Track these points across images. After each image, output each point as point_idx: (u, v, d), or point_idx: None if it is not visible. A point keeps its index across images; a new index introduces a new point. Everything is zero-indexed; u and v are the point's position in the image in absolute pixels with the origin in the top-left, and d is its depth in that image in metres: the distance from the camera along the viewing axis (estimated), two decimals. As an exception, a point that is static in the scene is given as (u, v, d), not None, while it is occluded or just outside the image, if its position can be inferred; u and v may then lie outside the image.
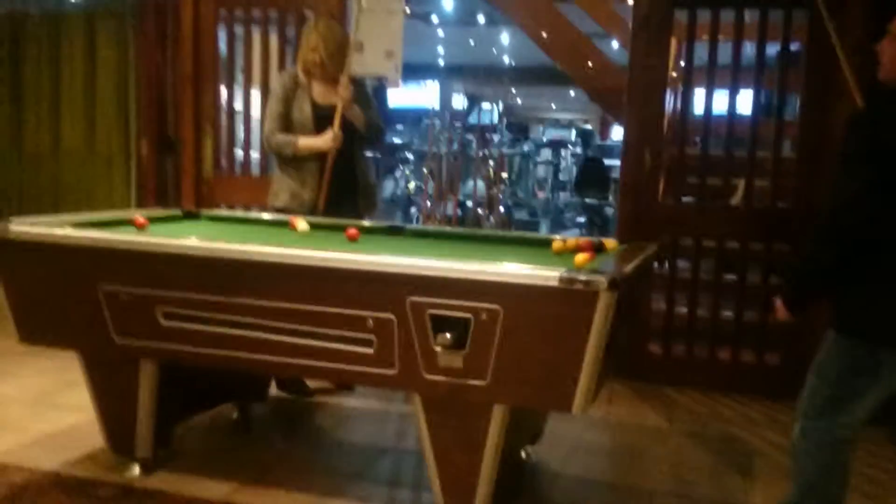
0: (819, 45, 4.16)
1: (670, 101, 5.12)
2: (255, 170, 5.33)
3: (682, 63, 4.74)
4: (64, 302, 2.82)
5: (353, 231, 3.11)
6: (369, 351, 2.44)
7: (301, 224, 3.34)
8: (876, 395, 2.37)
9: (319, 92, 3.83)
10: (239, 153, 5.31)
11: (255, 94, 5.15)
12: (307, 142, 3.75)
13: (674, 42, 4.77)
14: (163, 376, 2.89)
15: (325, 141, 3.73)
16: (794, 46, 4.57)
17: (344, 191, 3.83)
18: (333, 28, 3.90)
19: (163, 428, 2.99)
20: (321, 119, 3.77)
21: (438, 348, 2.35)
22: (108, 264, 2.73)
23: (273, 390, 3.84)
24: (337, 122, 3.72)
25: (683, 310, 4.53)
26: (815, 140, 4.19)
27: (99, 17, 5.82)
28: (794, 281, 2.44)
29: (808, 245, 2.41)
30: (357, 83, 3.88)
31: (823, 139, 4.14)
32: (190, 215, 3.61)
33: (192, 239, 2.72)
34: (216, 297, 2.60)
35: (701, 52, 4.44)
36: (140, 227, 3.05)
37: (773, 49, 4.44)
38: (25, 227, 2.84)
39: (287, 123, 3.79)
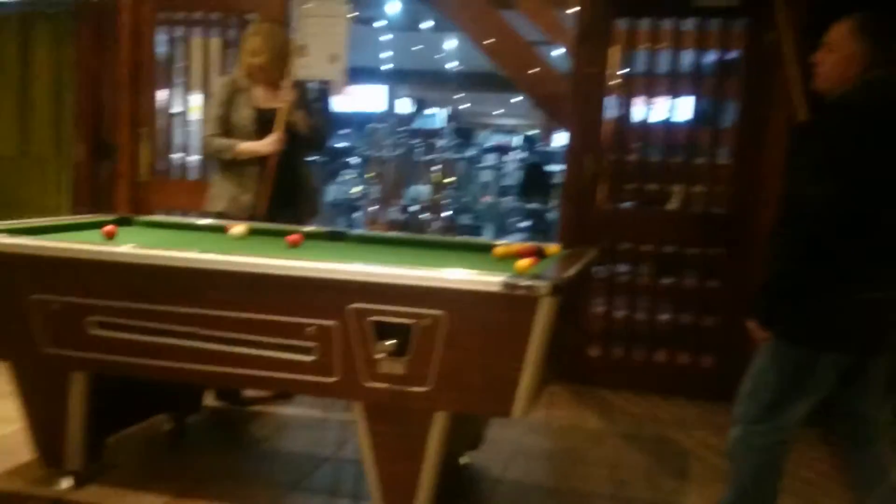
0: (756, 54, 4.28)
1: (611, 108, 5.20)
2: (194, 174, 5.23)
3: (623, 71, 4.81)
4: (-8, 311, 2.72)
5: (294, 237, 3.07)
6: (309, 359, 2.41)
7: (236, 228, 3.29)
8: (813, 398, 2.42)
9: (261, 96, 3.78)
10: (177, 157, 5.21)
11: (195, 98, 5.06)
12: (248, 146, 3.70)
13: (615, 50, 4.84)
14: (95, 387, 2.81)
15: (266, 145, 3.68)
16: (731, 55, 4.68)
17: (285, 196, 3.78)
18: (276, 32, 3.86)
19: (95, 440, 2.91)
20: (263, 123, 3.72)
21: (380, 355, 2.34)
22: (38, 272, 2.65)
23: (209, 400, 3.77)
24: (279, 126, 3.67)
25: (622, 313, 4.59)
26: (751, 147, 4.30)
27: (35, 19, 5.65)
28: (770, 301, 2.46)
29: (773, 263, 2.43)
30: (300, 87, 3.84)
31: (759, 146, 4.24)
32: (124, 221, 3.53)
33: (125, 246, 2.65)
34: (150, 306, 2.54)
35: (641, 60, 4.52)
36: (109, 237, 2.95)
37: (711, 57, 4.54)
38: (-50, 233, 2.73)
39: (227, 127, 3.73)
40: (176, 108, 5.23)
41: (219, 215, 3.70)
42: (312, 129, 3.83)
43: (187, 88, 5.11)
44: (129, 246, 2.65)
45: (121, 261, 2.57)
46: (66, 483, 2.86)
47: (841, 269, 2.30)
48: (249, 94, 3.76)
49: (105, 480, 2.95)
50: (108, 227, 3.01)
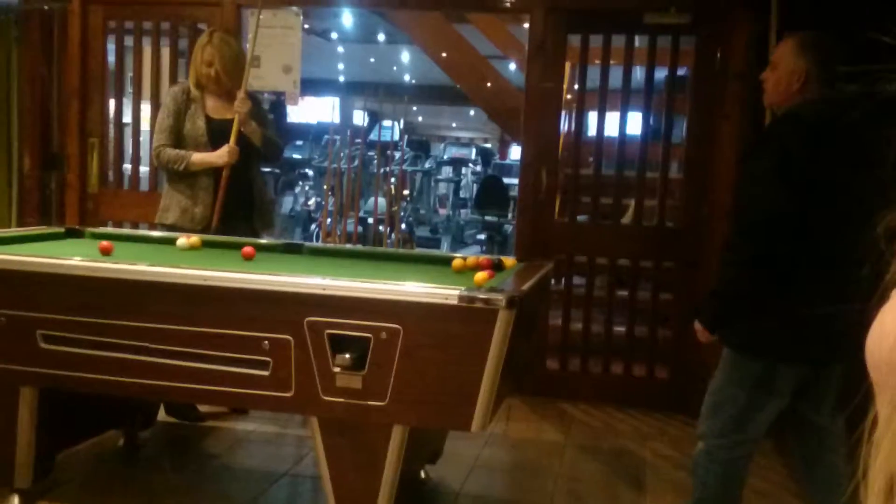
0: (705, 70, 4.37)
1: (565, 123, 5.26)
2: (144, 185, 5.15)
3: (576, 86, 4.88)
4: (-66, 326, 2.63)
5: (248, 249, 3.04)
6: (265, 373, 2.38)
7: (182, 239, 3.23)
8: (774, 410, 2.46)
9: (213, 106, 3.74)
10: (127, 168, 5.12)
11: (146, 108, 4.98)
12: (201, 157, 3.65)
13: (568, 65, 4.90)
14: (44, 402, 2.73)
15: (219, 156, 3.64)
16: (681, 71, 4.78)
17: (239, 208, 3.74)
18: (229, 42, 3.82)
19: (44, 456, 2.82)
20: (216, 134, 3.68)
21: (337, 369, 2.32)
22: (-18, 285, 2.57)
23: (161, 415, 3.70)
24: (233, 137, 3.64)
25: (579, 325, 4.63)
26: (701, 161, 4.38)
27: (-23, 25, 5.52)
28: (715, 304, 2.50)
29: (726, 268, 2.47)
30: (254, 98, 3.81)
31: (709, 160, 4.33)
32: (73, 233, 3.45)
33: (74, 258, 2.59)
34: (100, 320, 2.48)
35: (593, 75, 4.59)
36: (106, 253, 2.86)
37: (661, 73, 4.63)
38: None
39: (178, 138, 3.68)
40: (126, 118, 5.14)
41: (170, 228, 3.64)
42: (267, 140, 3.80)
43: (138, 98, 5.03)
44: (78, 258, 2.59)
45: (69, 273, 2.51)
46: (14, 501, 2.77)
47: (790, 278, 2.35)
48: (201, 104, 3.72)
49: (54, 498, 2.88)
50: (105, 244, 2.93)
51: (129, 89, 5.06)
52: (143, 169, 5.13)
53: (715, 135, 4.30)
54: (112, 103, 5.07)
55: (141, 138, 5.08)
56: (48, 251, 2.85)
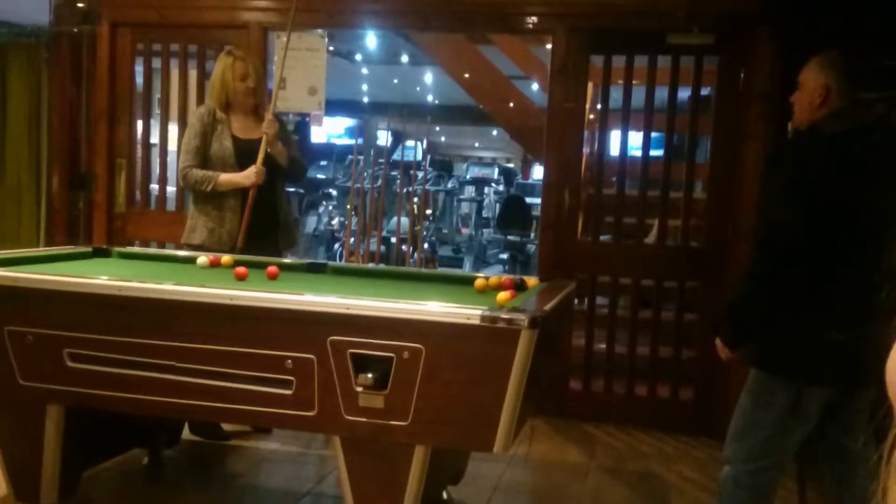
0: (728, 90, 4.36)
1: (588, 143, 5.26)
2: (171, 205, 5.21)
3: (599, 105, 4.88)
4: (-36, 344, 2.68)
5: (272, 269, 3.06)
6: (288, 392, 2.39)
7: (201, 259, 3.27)
8: (801, 433, 2.42)
9: (239, 126, 3.78)
10: (154, 188, 5.19)
11: (173, 128, 5.05)
12: (228, 178, 3.68)
13: (590, 85, 4.91)
14: (70, 420, 2.76)
15: (246, 177, 3.67)
16: (704, 91, 4.76)
17: (264, 228, 3.77)
18: (254, 59, 3.88)
19: (69, 474, 2.84)
20: (243, 154, 3.71)
21: (359, 388, 2.32)
22: (12, 304, 2.62)
23: (187, 433, 3.72)
24: (261, 157, 3.68)
25: (602, 346, 4.60)
26: (725, 181, 4.36)
27: (10, 48, 5.63)
28: (732, 318, 2.48)
29: (742, 282, 2.46)
30: (278, 119, 3.85)
31: (733, 180, 4.30)
32: (100, 252, 3.50)
33: (101, 277, 2.63)
34: (126, 339, 2.51)
35: (616, 95, 4.59)
36: (241, 278, 2.90)
37: (684, 93, 4.62)
38: (-78, 264, 2.70)
39: (205, 159, 3.72)
40: (153, 139, 5.21)
41: (197, 248, 3.67)
42: (293, 160, 3.83)
43: (165, 119, 5.11)
44: (105, 278, 2.62)
45: (96, 292, 2.54)
46: (38, 519, 2.80)
47: (813, 297, 2.32)
48: (227, 124, 3.76)
49: (78, 516, 2.89)
50: (240, 269, 2.96)
51: (156, 110, 5.13)
52: (170, 189, 5.20)
53: (739, 154, 4.28)
54: (140, 124, 5.15)
55: (168, 159, 5.15)
56: (75, 270, 2.89)
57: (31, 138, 5.59)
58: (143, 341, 2.49)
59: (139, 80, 5.13)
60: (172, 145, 4.96)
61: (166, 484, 3.35)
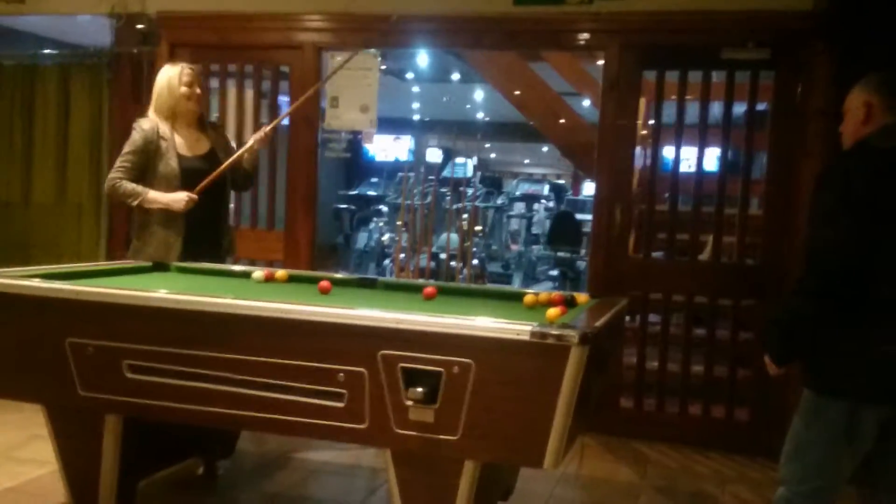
0: (784, 106, 4.29)
1: (640, 158, 5.22)
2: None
3: (651, 121, 4.85)
4: (30, 354, 2.76)
5: (325, 283, 3.10)
6: (340, 405, 2.42)
7: (257, 273, 3.37)
8: (857, 455, 2.36)
9: (184, 142, 3.75)
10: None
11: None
12: (156, 196, 3.63)
13: (643, 100, 4.88)
14: (128, 430, 2.83)
15: (175, 201, 3.62)
16: (760, 106, 4.70)
17: (211, 237, 3.81)
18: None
19: (127, 483, 2.92)
20: (187, 174, 3.68)
21: (410, 402, 2.34)
22: (75, 316, 2.69)
23: (240, 444, 3.77)
24: (204, 184, 3.66)
25: (654, 364, 4.55)
26: (781, 198, 4.29)
27: (73, 69, 5.82)
28: (779, 335, 2.45)
29: (790, 297, 2.43)
30: (220, 131, 3.97)
31: (790, 197, 4.23)
32: (159, 267, 3.59)
33: (160, 291, 2.70)
34: (184, 351, 2.57)
35: (669, 110, 4.55)
36: (325, 292, 3.02)
37: (739, 108, 4.57)
38: (-8, 277, 2.80)
39: (140, 176, 3.66)
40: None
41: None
42: (254, 168, 3.97)
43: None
44: (163, 291, 2.69)
45: (155, 306, 2.60)
46: (97, 527, 2.87)
47: (864, 313, 2.27)
48: (172, 142, 3.72)
49: (136, 525, 2.96)
50: (324, 283, 3.06)
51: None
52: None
53: (796, 171, 4.21)
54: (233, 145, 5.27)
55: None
56: (135, 284, 2.97)
57: (92, 157, 5.76)
58: (200, 353, 2.54)
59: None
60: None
61: (220, 494, 3.41)
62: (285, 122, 4.79)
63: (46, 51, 5.93)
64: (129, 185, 3.64)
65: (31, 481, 3.36)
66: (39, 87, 5.90)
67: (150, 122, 3.72)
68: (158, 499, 3.25)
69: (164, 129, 3.71)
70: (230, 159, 3.79)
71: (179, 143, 3.74)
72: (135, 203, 3.66)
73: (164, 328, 2.60)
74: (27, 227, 6.00)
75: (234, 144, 4.16)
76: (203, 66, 5.17)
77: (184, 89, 3.73)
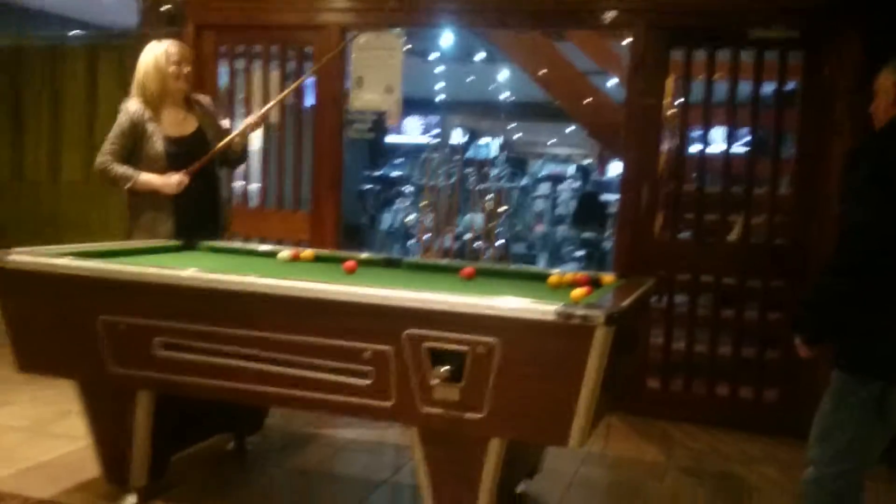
0: (814, 86, 4.23)
1: (667, 138, 5.17)
2: (254, 201, 5.36)
3: (679, 101, 4.79)
4: (63, 331, 2.82)
5: (350, 263, 3.12)
6: (366, 382, 2.44)
7: (283, 252, 3.40)
8: (887, 436, 2.35)
9: (170, 123, 3.71)
10: (238, 185, 5.34)
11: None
12: (148, 179, 3.61)
13: (670, 80, 4.83)
14: (159, 406, 2.88)
15: (166, 185, 3.61)
16: (789, 86, 4.63)
17: (204, 215, 3.82)
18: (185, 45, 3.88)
19: (158, 458, 2.98)
20: (173, 155, 3.66)
21: (435, 381, 2.35)
22: (106, 294, 2.74)
23: (269, 420, 3.82)
24: (196, 166, 3.66)
25: (681, 345, 4.53)
26: (811, 178, 4.24)
27: (100, 50, 5.87)
28: (811, 314, 2.43)
29: (821, 276, 2.40)
30: (210, 112, 3.92)
31: (820, 177, 4.18)
32: (188, 246, 3.62)
33: (189, 269, 2.73)
34: (213, 328, 2.60)
35: (697, 90, 4.50)
36: (351, 272, 3.05)
37: (768, 88, 4.50)
38: (25, 256, 2.85)
39: (130, 158, 3.64)
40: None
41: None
42: (244, 151, 3.96)
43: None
44: (193, 270, 2.72)
45: (185, 284, 2.64)
46: (130, 500, 2.93)
47: (892, 291, 2.25)
48: (158, 124, 3.68)
49: (168, 498, 3.02)
50: (349, 263, 3.10)
51: (239, 110, 5.28)
52: (253, 186, 5.35)
53: (826, 150, 4.15)
54: (226, 123, 5.29)
55: (251, 157, 5.29)
56: (166, 263, 3.01)
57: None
58: (229, 331, 2.58)
59: (223, 80, 5.28)
60: (255, 144, 5.10)
61: (249, 469, 3.46)
62: (309, 102, 4.80)
63: (73, 32, 5.98)
64: (120, 168, 3.62)
65: (65, 455, 3.42)
66: (67, 68, 5.97)
67: (136, 104, 3.68)
68: (189, 473, 3.31)
69: (149, 112, 3.66)
70: (222, 142, 3.79)
71: (166, 124, 3.70)
72: (126, 186, 3.64)
73: (194, 306, 2.64)
74: (56, 206, 6.09)
75: (227, 122, 4.15)
76: (228, 47, 5.19)
77: (172, 68, 3.68)
